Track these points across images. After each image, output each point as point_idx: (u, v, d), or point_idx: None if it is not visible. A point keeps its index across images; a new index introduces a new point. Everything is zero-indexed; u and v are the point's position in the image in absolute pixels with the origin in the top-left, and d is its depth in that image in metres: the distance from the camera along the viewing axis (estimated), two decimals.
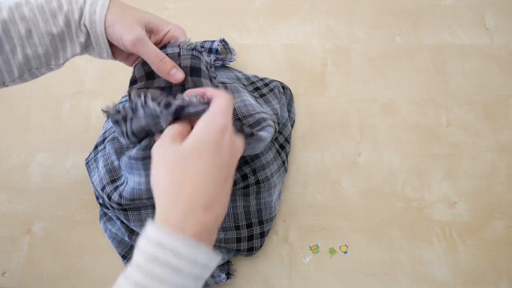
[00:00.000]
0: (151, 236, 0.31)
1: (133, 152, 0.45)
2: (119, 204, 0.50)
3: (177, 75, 0.42)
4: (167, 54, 0.42)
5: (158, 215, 0.33)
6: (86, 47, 0.43)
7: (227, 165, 0.35)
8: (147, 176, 0.47)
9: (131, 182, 0.48)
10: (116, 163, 0.52)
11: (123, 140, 0.44)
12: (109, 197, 0.50)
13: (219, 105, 0.35)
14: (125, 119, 0.40)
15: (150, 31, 0.43)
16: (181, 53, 0.43)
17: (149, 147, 0.44)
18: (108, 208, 0.54)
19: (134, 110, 0.38)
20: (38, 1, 0.40)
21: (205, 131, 0.34)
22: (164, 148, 0.34)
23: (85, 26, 0.40)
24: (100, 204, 0.56)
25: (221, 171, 0.34)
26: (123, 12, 0.41)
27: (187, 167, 0.33)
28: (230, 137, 0.35)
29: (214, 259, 0.33)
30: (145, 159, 0.45)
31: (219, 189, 0.34)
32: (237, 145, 0.36)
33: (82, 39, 0.41)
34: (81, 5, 0.40)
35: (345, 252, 0.57)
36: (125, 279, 0.30)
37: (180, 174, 0.33)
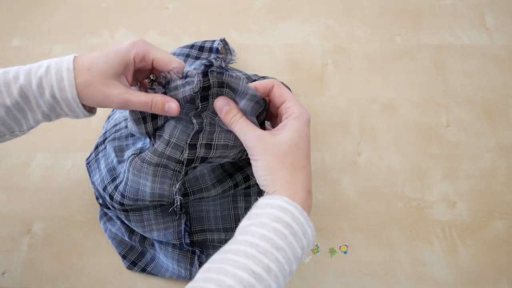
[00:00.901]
0: (277, 203, 0.37)
1: (148, 155, 0.45)
2: (121, 204, 0.50)
3: (172, 108, 0.41)
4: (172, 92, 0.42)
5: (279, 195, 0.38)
6: (57, 115, 0.42)
7: (309, 153, 0.41)
8: (154, 182, 0.47)
9: (134, 183, 0.48)
10: (115, 160, 0.52)
11: (137, 130, 0.44)
12: (111, 197, 0.50)
13: (300, 105, 0.41)
14: (167, 85, 0.41)
15: (129, 66, 0.41)
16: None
17: (164, 155, 0.44)
18: (109, 208, 0.54)
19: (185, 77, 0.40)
20: None
21: (300, 127, 0.40)
22: (266, 140, 0.39)
23: (52, 96, 0.40)
24: (100, 204, 0.56)
25: (309, 159, 0.40)
26: (94, 75, 0.40)
27: (293, 158, 0.39)
28: (309, 128, 0.41)
29: (314, 239, 0.38)
30: (158, 166, 0.45)
31: (310, 175, 0.40)
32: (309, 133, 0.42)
33: (44, 108, 0.41)
34: (41, 75, 0.39)
35: (345, 252, 0.57)
36: (251, 235, 0.35)
37: (289, 164, 0.38)
